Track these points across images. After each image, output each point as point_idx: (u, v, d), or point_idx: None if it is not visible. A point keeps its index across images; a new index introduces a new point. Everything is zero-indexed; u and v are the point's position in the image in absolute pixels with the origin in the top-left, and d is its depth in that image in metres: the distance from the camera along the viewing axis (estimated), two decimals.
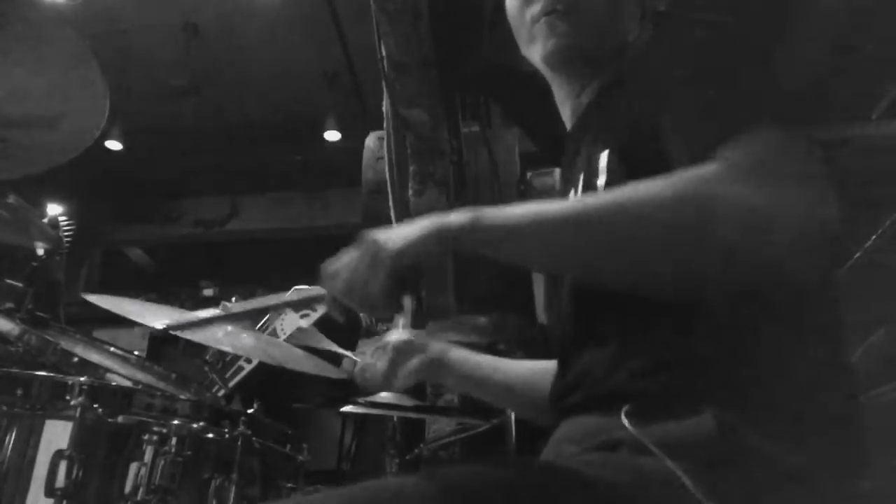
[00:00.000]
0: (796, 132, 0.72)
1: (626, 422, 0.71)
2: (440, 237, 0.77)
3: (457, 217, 0.77)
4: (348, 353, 1.31)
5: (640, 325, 0.80)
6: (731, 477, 0.68)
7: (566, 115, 1.07)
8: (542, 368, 1.14)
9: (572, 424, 0.86)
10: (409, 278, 0.80)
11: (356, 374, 1.25)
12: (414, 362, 1.19)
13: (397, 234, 0.79)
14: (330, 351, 1.41)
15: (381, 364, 1.21)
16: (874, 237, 1.89)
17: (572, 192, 0.95)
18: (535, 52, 1.01)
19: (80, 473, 1.19)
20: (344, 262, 0.82)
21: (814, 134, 0.73)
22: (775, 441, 0.69)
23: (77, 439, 1.20)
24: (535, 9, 0.98)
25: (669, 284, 0.72)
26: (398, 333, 1.24)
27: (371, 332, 3.02)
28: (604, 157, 0.87)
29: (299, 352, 1.78)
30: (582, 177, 0.92)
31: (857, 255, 1.90)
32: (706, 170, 0.70)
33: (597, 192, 0.87)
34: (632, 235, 0.71)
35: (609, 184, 0.85)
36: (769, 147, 0.70)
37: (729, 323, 0.75)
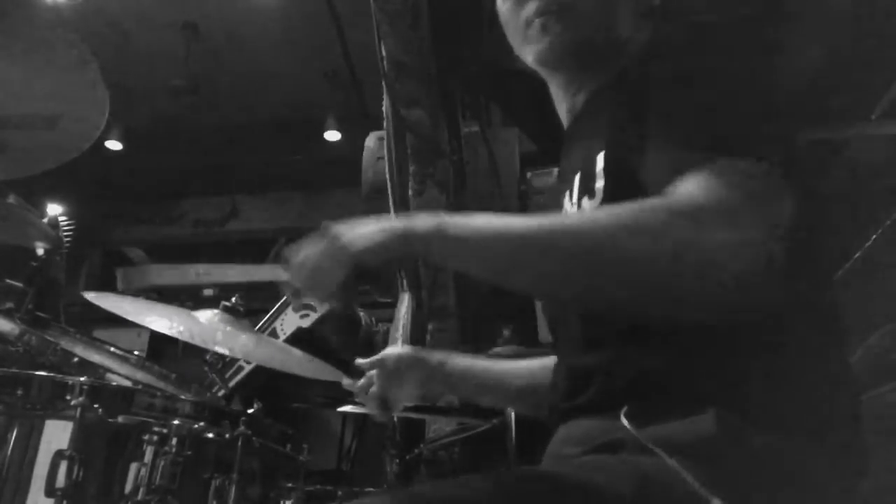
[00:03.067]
0: (758, 162, 0.71)
1: (625, 422, 0.71)
2: (405, 241, 0.78)
3: (423, 222, 0.78)
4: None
5: (641, 325, 0.80)
6: (734, 473, 0.68)
7: (563, 113, 1.07)
8: (543, 365, 1.14)
9: (573, 427, 0.85)
10: (368, 273, 0.83)
11: (357, 393, 1.24)
12: (414, 378, 1.19)
13: (362, 232, 0.80)
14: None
15: (379, 383, 1.20)
16: (874, 237, 1.89)
17: (567, 193, 0.94)
18: (529, 54, 1.00)
19: (80, 473, 1.19)
20: (307, 253, 0.83)
21: (778, 154, 0.73)
22: (777, 438, 0.69)
23: (77, 439, 1.20)
24: (529, 10, 0.97)
25: (625, 307, 0.74)
26: (394, 348, 1.23)
27: (371, 332, 3.01)
28: (600, 159, 0.86)
29: (298, 353, 1.78)
30: (578, 178, 0.91)
31: (857, 255, 1.90)
32: (670, 206, 0.70)
33: (595, 196, 0.86)
34: (594, 263, 0.71)
35: (607, 187, 0.85)
36: (729, 182, 0.69)
37: (732, 321, 0.75)
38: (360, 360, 1.24)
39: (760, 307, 0.69)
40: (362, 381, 1.23)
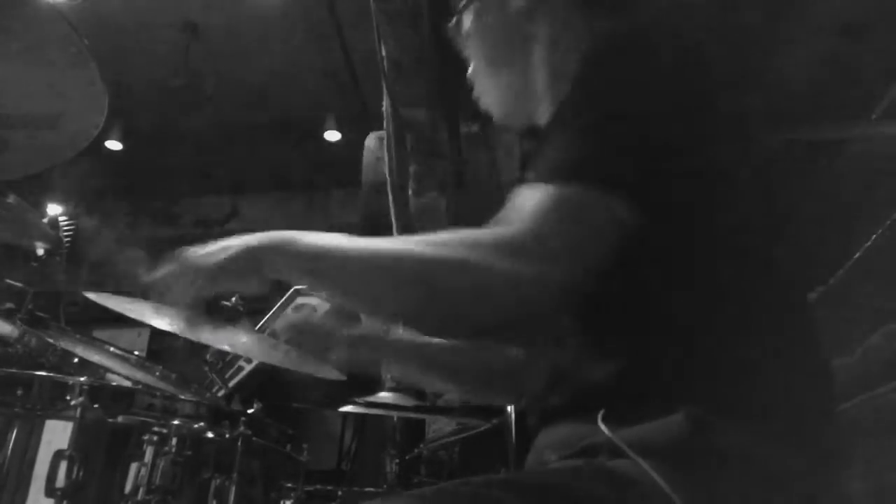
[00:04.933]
0: (596, 196, 0.75)
1: (602, 426, 0.72)
2: (250, 257, 0.84)
3: (267, 238, 0.85)
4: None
5: (615, 325, 0.81)
6: (706, 475, 0.68)
7: None
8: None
9: (552, 432, 0.86)
10: (225, 295, 0.88)
11: (276, 331, 1.24)
12: (349, 334, 1.15)
13: (211, 254, 0.87)
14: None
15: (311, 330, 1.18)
16: (874, 237, 1.89)
17: None
18: None
19: (80, 473, 1.19)
20: (165, 273, 0.91)
21: (618, 199, 0.74)
22: (751, 438, 0.70)
23: (77, 439, 1.20)
24: None
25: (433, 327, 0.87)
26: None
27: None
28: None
29: (298, 353, 1.78)
30: None
31: (857, 255, 1.90)
32: (484, 236, 0.77)
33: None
34: (410, 289, 0.78)
35: None
36: (549, 212, 0.75)
37: (704, 322, 0.76)
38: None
39: (548, 329, 0.81)
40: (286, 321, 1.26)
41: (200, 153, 5.75)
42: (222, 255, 0.86)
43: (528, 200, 0.78)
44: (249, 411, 1.43)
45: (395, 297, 0.80)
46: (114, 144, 5.43)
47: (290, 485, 1.57)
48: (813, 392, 0.78)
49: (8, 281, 1.74)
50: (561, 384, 0.86)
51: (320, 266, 0.82)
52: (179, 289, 0.89)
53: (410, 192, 2.58)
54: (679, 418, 0.70)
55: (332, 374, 1.65)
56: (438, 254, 0.78)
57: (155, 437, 1.27)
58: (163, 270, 0.92)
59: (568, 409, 0.83)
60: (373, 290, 0.81)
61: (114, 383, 1.60)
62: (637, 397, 0.76)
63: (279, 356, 1.63)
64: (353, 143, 3.32)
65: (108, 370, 1.72)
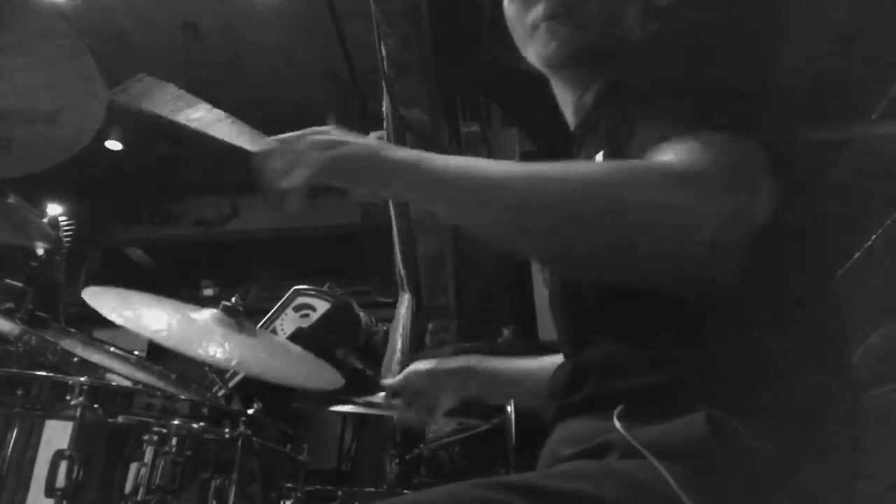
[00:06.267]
0: (741, 138, 0.71)
1: (617, 424, 0.71)
2: (378, 164, 0.79)
3: (401, 154, 0.78)
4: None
5: (638, 323, 0.80)
6: (722, 478, 0.68)
7: (568, 114, 1.07)
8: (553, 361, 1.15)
9: (569, 426, 0.86)
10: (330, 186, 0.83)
11: (397, 411, 1.27)
12: (447, 387, 1.21)
13: (343, 142, 0.81)
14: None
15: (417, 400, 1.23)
16: (874, 237, 1.89)
17: None
18: (535, 56, 1.01)
19: (80, 473, 1.19)
20: (304, 138, 0.85)
21: (764, 142, 0.72)
22: (769, 442, 0.69)
23: (77, 439, 1.20)
24: (536, 13, 0.97)
25: (585, 266, 0.74)
26: (419, 364, 1.25)
27: (371, 332, 3.01)
28: (599, 159, 0.87)
29: (298, 350, 1.78)
30: None
31: (857, 255, 1.90)
32: (664, 166, 0.70)
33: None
34: (546, 211, 0.72)
35: None
36: (705, 151, 0.70)
37: (727, 321, 0.75)
38: (386, 383, 1.28)
39: (729, 277, 0.69)
40: (396, 401, 1.26)
41: (200, 153, 5.76)
42: (343, 150, 0.81)
43: (679, 145, 0.71)
44: (249, 411, 1.42)
45: (557, 218, 0.71)
46: (114, 144, 5.44)
47: (290, 485, 1.57)
48: (837, 394, 0.77)
49: (8, 281, 1.74)
50: (584, 381, 0.85)
51: (455, 187, 0.76)
52: (291, 165, 0.83)
53: None
54: (697, 419, 0.69)
55: (329, 384, 1.64)
56: (615, 175, 0.71)
57: (155, 437, 1.26)
58: (282, 143, 0.87)
59: (587, 404, 0.83)
60: (515, 221, 0.73)
61: (114, 383, 1.60)
62: (656, 395, 0.75)
63: (270, 367, 1.60)
64: None
65: (108, 370, 1.72)
